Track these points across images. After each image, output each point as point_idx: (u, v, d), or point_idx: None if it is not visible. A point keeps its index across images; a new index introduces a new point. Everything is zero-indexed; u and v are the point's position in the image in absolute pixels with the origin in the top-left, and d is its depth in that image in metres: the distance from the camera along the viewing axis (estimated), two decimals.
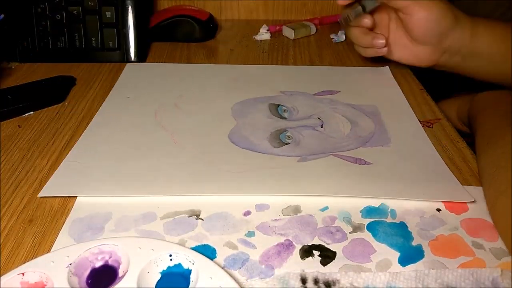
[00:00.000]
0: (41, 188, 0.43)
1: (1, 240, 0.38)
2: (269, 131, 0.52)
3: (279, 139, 0.51)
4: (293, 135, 0.52)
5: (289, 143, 0.50)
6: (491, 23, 0.56)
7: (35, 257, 0.34)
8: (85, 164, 0.46)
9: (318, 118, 0.55)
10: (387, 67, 0.68)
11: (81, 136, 0.51)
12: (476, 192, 0.43)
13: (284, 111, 0.57)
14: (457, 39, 0.56)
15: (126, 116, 0.55)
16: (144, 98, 0.60)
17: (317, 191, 0.43)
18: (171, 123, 0.54)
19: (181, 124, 0.54)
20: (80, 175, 0.45)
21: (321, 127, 0.54)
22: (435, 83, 0.65)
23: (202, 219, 0.40)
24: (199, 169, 0.46)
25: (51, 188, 0.43)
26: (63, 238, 0.38)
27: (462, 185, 0.44)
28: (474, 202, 0.42)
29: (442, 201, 0.42)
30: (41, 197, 0.42)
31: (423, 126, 0.54)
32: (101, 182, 0.44)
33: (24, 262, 0.33)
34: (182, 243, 0.38)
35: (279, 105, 0.58)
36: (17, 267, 0.33)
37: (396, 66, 0.68)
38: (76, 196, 0.42)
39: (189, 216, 0.41)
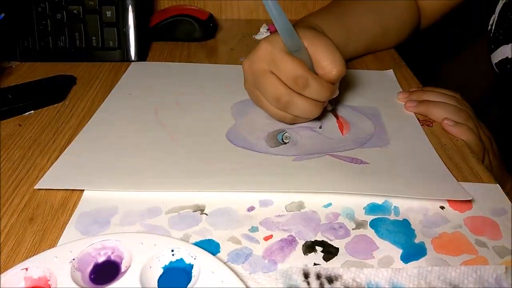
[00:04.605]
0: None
1: (2, 239, 0.38)
2: (267, 131, 0.52)
3: (276, 139, 0.51)
4: (291, 135, 0.52)
5: (286, 143, 0.50)
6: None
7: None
8: (83, 159, 0.47)
9: (318, 119, 0.55)
10: (391, 70, 0.68)
11: (81, 131, 0.52)
12: (476, 189, 0.43)
13: None
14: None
15: (127, 113, 0.56)
16: (146, 95, 0.60)
17: (311, 187, 0.43)
18: (171, 121, 0.54)
19: (180, 122, 0.54)
20: (77, 169, 0.45)
21: (320, 127, 0.53)
22: (435, 82, 0.65)
23: (207, 214, 0.40)
24: (194, 166, 0.46)
25: (48, 181, 0.43)
26: (70, 231, 0.38)
27: (462, 182, 0.44)
28: (473, 200, 0.42)
29: (441, 199, 0.42)
30: (38, 189, 0.43)
31: (422, 126, 0.54)
32: (97, 176, 0.44)
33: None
34: (186, 238, 0.38)
35: None
36: (19, 263, 0.33)
37: (395, 66, 0.69)
38: (77, 190, 0.43)
39: (193, 211, 0.41)
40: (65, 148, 0.49)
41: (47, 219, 0.40)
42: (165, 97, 0.60)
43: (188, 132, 0.52)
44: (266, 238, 0.38)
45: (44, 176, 0.44)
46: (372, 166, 0.47)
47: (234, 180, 0.44)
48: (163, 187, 0.43)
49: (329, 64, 0.48)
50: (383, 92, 0.62)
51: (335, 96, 0.52)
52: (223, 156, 0.48)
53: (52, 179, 0.44)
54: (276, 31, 0.48)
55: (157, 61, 0.71)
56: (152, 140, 0.50)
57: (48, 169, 0.46)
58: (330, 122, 0.55)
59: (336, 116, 0.55)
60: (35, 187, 0.43)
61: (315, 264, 0.36)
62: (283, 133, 0.52)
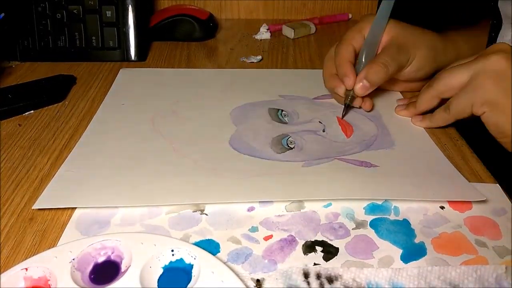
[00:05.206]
0: (42, 187, 0.43)
1: (2, 239, 0.38)
2: (271, 137, 0.51)
3: (281, 144, 0.50)
4: (295, 140, 0.51)
5: (292, 148, 0.49)
6: (466, 33, 0.62)
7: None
8: (81, 174, 0.45)
9: (320, 122, 0.54)
10: None
11: (75, 145, 0.49)
12: (476, 189, 0.43)
13: (285, 115, 0.56)
14: (447, 62, 0.57)
15: (122, 124, 0.54)
16: (139, 104, 0.58)
17: (324, 194, 0.42)
18: (169, 130, 0.52)
19: (179, 131, 0.52)
20: (76, 185, 0.43)
21: (323, 131, 0.53)
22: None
23: (207, 214, 0.40)
24: (201, 176, 0.44)
25: (46, 200, 0.41)
26: (70, 231, 0.38)
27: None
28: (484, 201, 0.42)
29: (452, 201, 0.42)
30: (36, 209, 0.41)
31: None
32: (98, 192, 0.42)
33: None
34: (186, 238, 0.38)
35: (279, 109, 0.57)
36: (19, 263, 0.33)
37: None
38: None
39: (193, 211, 0.41)
40: (65, 148, 0.49)
41: (47, 219, 0.40)
42: (159, 105, 0.58)
43: (189, 141, 0.50)
44: (266, 238, 0.38)
45: (41, 194, 0.42)
46: (382, 169, 0.46)
47: (245, 191, 0.42)
48: (172, 201, 0.41)
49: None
50: (379, 92, 0.61)
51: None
52: (230, 165, 0.46)
53: (50, 197, 0.41)
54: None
55: (146, 68, 0.69)
56: (153, 152, 0.48)
57: (49, 169, 0.46)
58: (333, 125, 0.54)
59: (340, 119, 0.55)
60: (33, 207, 0.40)
61: (315, 264, 0.36)
62: (287, 137, 0.51)
